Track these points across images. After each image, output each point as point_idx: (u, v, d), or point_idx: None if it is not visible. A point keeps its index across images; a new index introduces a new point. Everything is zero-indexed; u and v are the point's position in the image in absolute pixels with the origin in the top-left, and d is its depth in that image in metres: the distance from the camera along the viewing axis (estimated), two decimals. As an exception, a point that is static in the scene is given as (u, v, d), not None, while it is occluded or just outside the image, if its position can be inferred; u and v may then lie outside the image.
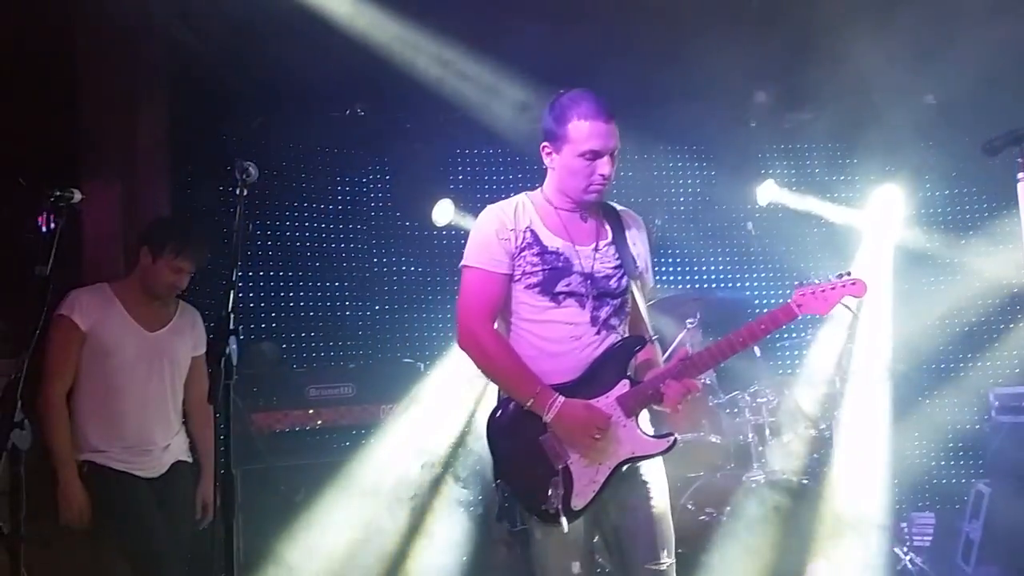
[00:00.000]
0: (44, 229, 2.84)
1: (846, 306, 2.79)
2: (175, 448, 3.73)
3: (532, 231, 2.85)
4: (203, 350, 3.82)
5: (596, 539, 2.93)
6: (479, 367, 2.85)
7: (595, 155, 2.77)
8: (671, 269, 6.80)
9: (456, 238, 6.42)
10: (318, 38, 4.77)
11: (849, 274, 2.81)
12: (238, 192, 2.62)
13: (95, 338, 3.53)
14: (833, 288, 2.78)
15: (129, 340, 3.59)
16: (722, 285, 6.89)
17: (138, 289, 3.67)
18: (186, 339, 3.79)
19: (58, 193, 2.86)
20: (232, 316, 2.42)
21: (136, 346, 3.61)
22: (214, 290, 5.15)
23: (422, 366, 5.31)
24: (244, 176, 2.62)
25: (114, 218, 4.39)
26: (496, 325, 2.88)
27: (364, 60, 4.91)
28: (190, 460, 3.82)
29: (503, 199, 2.96)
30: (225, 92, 5.53)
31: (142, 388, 3.61)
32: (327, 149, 6.45)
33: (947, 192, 6.72)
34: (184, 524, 3.76)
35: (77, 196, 2.90)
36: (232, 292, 2.46)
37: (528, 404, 2.73)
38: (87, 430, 3.52)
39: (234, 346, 2.37)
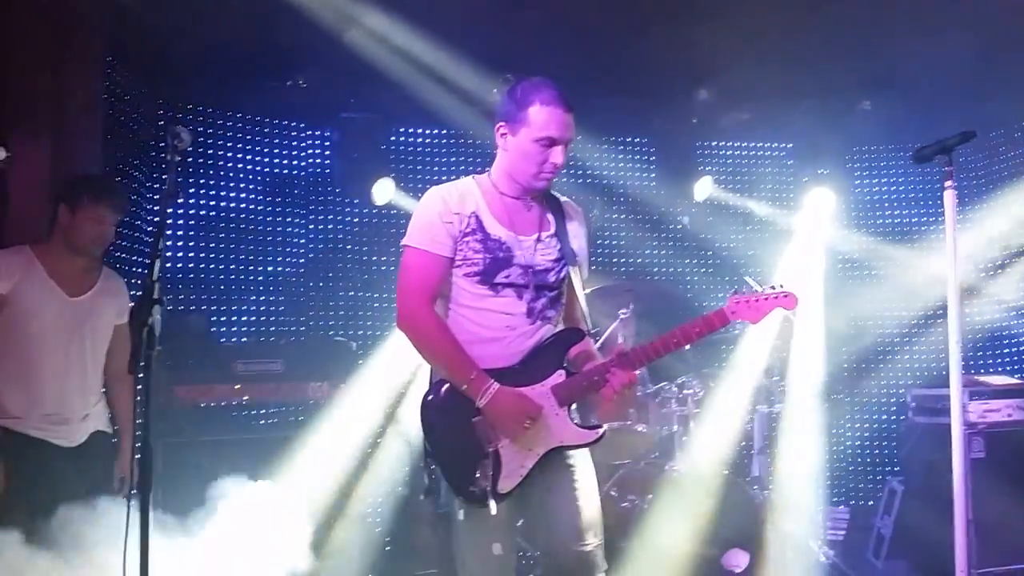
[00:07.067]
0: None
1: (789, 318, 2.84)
2: (94, 418, 3.65)
3: (477, 217, 2.83)
4: (126, 318, 3.73)
5: (520, 523, 2.95)
6: (416, 348, 2.84)
7: (551, 142, 2.77)
8: (606, 259, 6.87)
9: (395, 217, 6.38)
10: (262, 6, 4.67)
11: (783, 287, 2.89)
12: (169, 158, 2.57)
13: (15, 301, 3.43)
14: (766, 299, 2.86)
15: (50, 305, 3.49)
16: (656, 277, 6.98)
17: (62, 252, 3.56)
18: (109, 306, 3.69)
19: (-17, 151, 2.78)
20: (157, 285, 2.37)
21: (57, 311, 3.51)
22: (141, 259, 5.05)
23: (354, 345, 5.26)
24: (176, 141, 2.57)
25: (43, 178, 4.22)
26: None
27: (308, 32, 4.83)
28: (110, 431, 3.74)
29: (444, 181, 2.93)
30: (162, 55, 5.38)
31: (62, 355, 3.52)
32: (266, 119, 6.34)
33: (877, 197, 6.91)
34: (101, 495, 3.68)
35: (3, 154, 2.81)
36: (158, 260, 2.41)
37: (463, 388, 2.73)
38: (3, 396, 3.42)
39: (158, 316, 2.32)
